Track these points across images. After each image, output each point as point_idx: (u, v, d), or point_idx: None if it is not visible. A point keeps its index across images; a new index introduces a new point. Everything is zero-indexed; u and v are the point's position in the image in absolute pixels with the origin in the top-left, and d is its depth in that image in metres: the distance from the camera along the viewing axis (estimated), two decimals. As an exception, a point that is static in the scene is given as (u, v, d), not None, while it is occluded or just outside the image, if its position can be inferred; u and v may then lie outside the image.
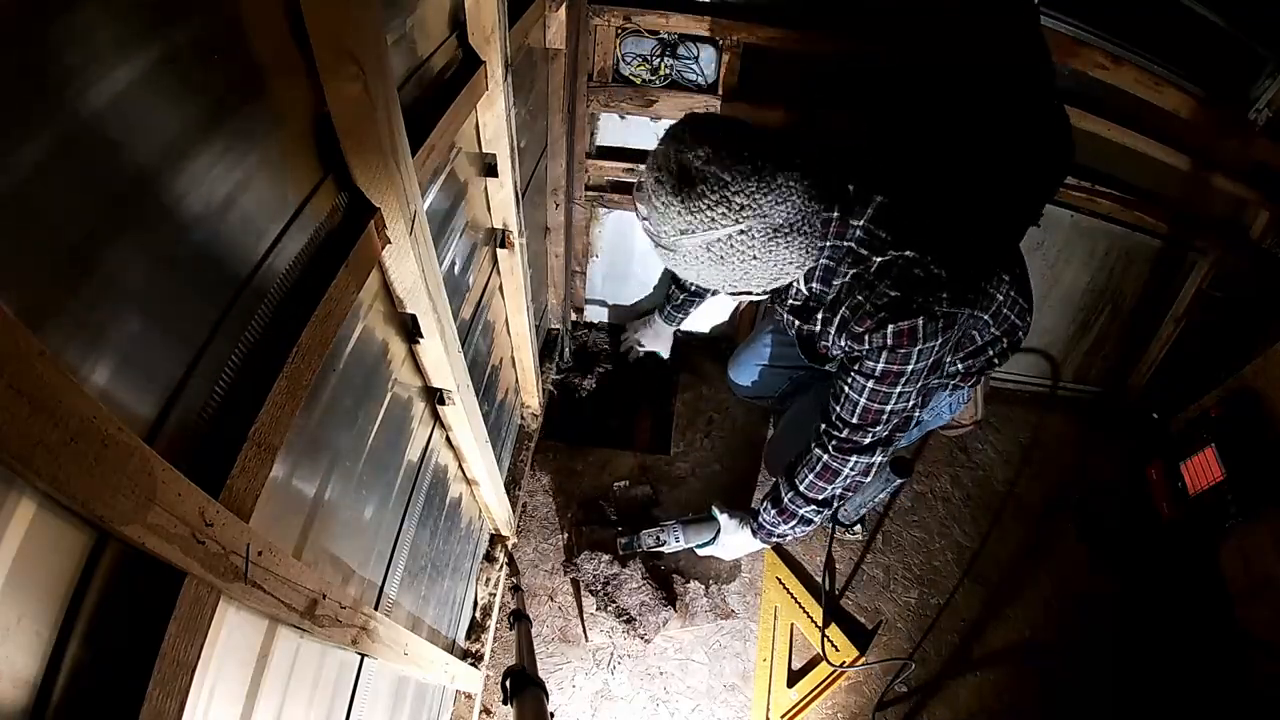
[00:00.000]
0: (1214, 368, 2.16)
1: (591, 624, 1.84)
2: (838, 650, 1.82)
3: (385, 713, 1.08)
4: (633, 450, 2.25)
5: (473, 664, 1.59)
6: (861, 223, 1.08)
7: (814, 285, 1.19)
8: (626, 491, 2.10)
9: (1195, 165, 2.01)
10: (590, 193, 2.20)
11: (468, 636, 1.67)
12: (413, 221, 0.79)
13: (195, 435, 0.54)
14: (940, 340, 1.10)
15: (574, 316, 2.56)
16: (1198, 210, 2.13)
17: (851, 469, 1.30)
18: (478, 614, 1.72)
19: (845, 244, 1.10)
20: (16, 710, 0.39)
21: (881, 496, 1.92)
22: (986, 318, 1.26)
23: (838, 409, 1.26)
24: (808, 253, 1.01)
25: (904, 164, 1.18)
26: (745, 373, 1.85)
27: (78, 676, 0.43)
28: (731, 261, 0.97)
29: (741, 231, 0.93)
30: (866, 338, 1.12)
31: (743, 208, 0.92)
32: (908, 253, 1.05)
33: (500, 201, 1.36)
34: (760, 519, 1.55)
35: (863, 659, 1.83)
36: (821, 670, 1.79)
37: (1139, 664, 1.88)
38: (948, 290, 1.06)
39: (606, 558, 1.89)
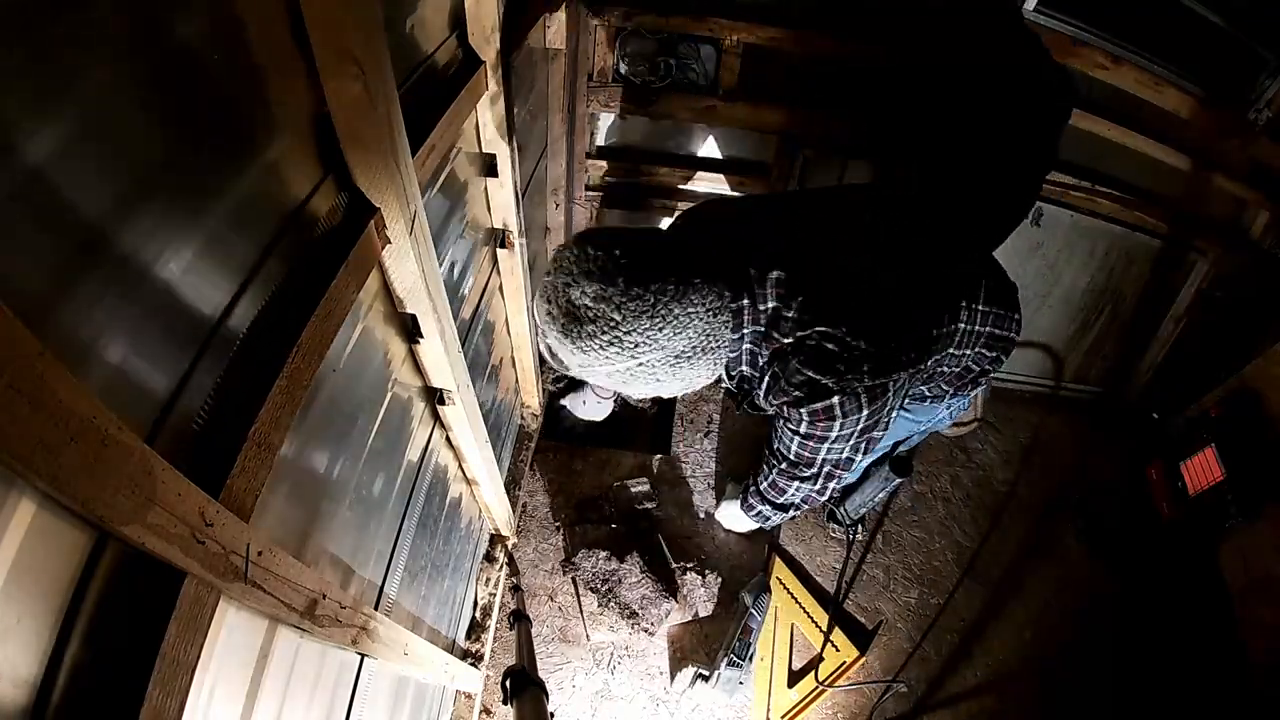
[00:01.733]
0: (1214, 368, 2.16)
1: (596, 623, 1.84)
2: (838, 651, 1.82)
3: (385, 713, 1.08)
4: (633, 450, 2.25)
5: (473, 664, 1.59)
6: (768, 306, 0.99)
7: (744, 369, 1.09)
8: (626, 491, 2.10)
9: (1195, 165, 2.01)
10: (590, 193, 2.20)
11: (468, 636, 1.67)
12: (413, 221, 0.79)
13: (195, 435, 0.54)
14: (868, 410, 1.01)
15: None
16: (1198, 210, 2.13)
17: (795, 492, 1.29)
18: (478, 614, 1.72)
19: (761, 328, 1.01)
20: (16, 710, 0.39)
21: (881, 496, 1.92)
22: (952, 352, 1.15)
23: (775, 444, 1.20)
24: (717, 365, 0.95)
25: (810, 227, 1.09)
26: None
27: (78, 676, 0.43)
28: (635, 384, 0.92)
29: (640, 365, 0.87)
30: (785, 410, 1.05)
31: (638, 345, 0.85)
32: (818, 328, 0.96)
33: (500, 201, 1.36)
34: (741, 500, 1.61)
35: (862, 659, 1.83)
36: (822, 670, 1.79)
37: (1139, 663, 1.87)
38: (869, 363, 0.96)
39: (604, 554, 1.89)
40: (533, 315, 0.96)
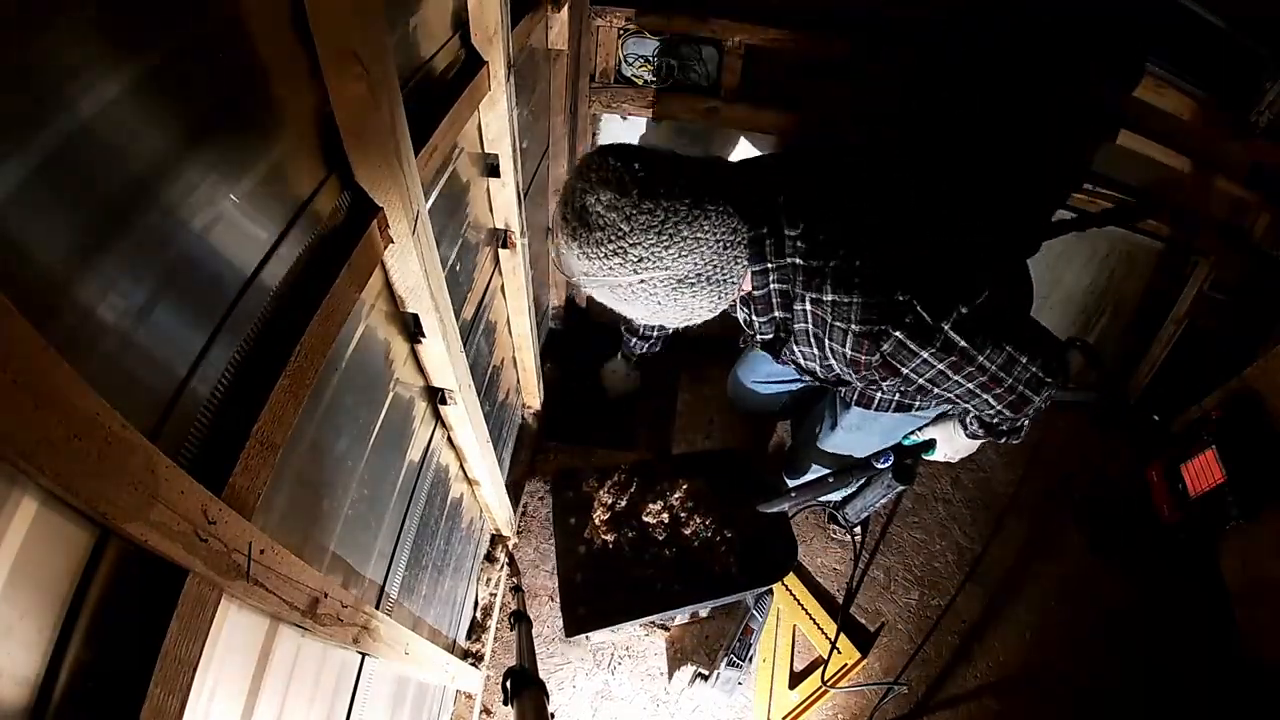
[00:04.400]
0: (1215, 370, 2.15)
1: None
2: (839, 653, 1.82)
3: (386, 712, 1.08)
4: (634, 451, 2.25)
5: (473, 664, 1.59)
6: (798, 232, 0.97)
7: (776, 314, 1.07)
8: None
9: (1196, 167, 2.01)
10: (591, 193, 2.20)
11: (468, 636, 1.67)
12: (415, 221, 0.79)
13: (198, 433, 0.54)
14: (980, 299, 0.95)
15: (575, 316, 2.56)
16: (1198, 212, 2.13)
17: (1034, 410, 1.15)
18: (478, 614, 1.72)
19: (789, 260, 0.99)
20: (18, 708, 0.39)
21: (882, 501, 1.92)
22: None
23: (981, 413, 1.12)
24: (721, 299, 0.94)
25: (840, 173, 1.08)
26: (745, 391, 1.84)
27: (79, 674, 0.43)
28: (637, 304, 0.92)
29: (642, 281, 0.87)
30: (890, 359, 0.99)
31: (640, 259, 0.85)
32: (856, 255, 0.95)
33: (502, 202, 1.36)
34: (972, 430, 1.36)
35: (863, 660, 1.83)
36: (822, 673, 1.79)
37: (1139, 664, 1.87)
38: (925, 271, 0.94)
39: None
40: (549, 221, 0.97)
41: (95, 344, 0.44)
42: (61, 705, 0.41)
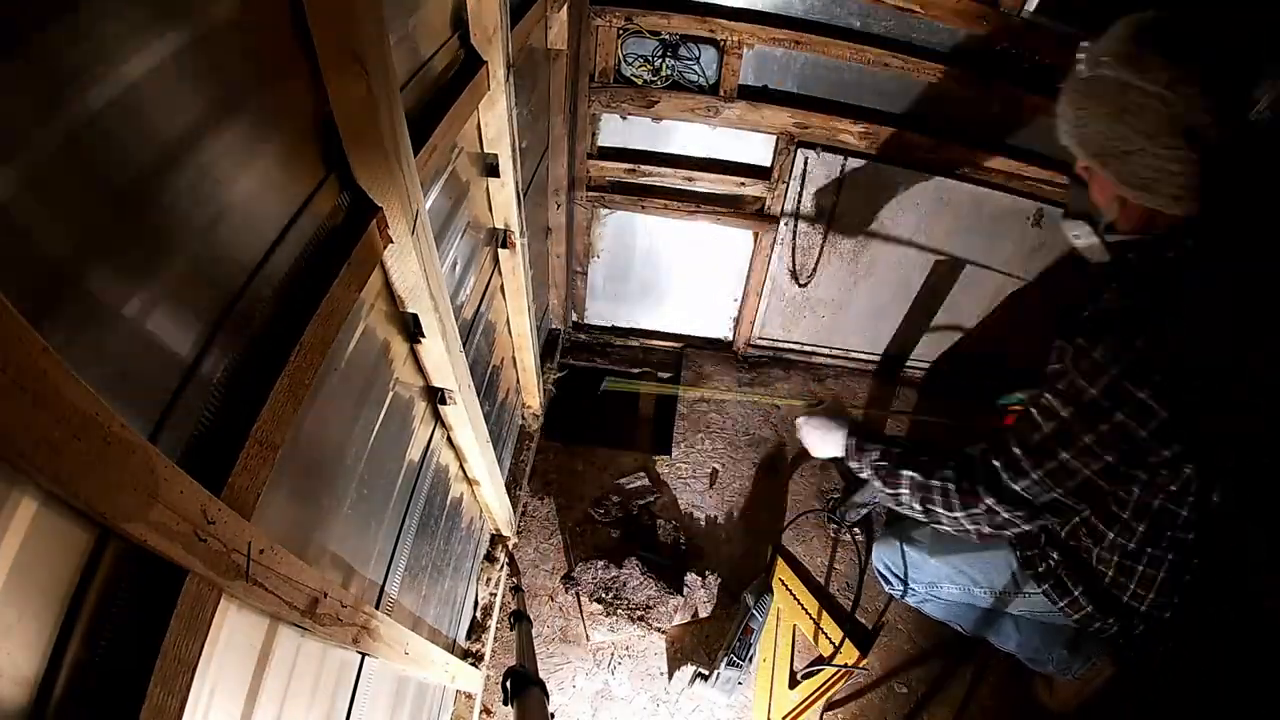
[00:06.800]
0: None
1: (596, 623, 1.83)
2: (840, 654, 1.82)
3: (385, 712, 1.08)
4: (634, 450, 2.25)
5: (473, 664, 1.59)
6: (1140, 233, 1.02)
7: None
8: (626, 489, 2.10)
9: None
10: (592, 193, 2.20)
11: (468, 636, 1.67)
12: (415, 221, 0.79)
13: (197, 433, 0.54)
14: (1089, 375, 0.93)
15: (575, 316, 2.57)
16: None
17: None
18: (478, 614, 1.72)
19: (1132, 237, 1.03)
20: (17, 708, 0.39)
21: (880, 498, 1.92)
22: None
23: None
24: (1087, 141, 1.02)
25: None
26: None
27: (79, 674, 0.43)
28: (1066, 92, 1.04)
29: (1087, 78, 0.98)
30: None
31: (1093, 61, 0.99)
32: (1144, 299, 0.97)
33: (502, 201, 1.36)
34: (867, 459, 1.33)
35: (864, 660, 1.83)
36: (824, 672, 1.79)
37: (1137, 664, 1.87)
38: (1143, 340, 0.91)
39: (601, 563, 1.89)
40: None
41: (95, 344, 0.44)
42: (61, 705, 0.41)
